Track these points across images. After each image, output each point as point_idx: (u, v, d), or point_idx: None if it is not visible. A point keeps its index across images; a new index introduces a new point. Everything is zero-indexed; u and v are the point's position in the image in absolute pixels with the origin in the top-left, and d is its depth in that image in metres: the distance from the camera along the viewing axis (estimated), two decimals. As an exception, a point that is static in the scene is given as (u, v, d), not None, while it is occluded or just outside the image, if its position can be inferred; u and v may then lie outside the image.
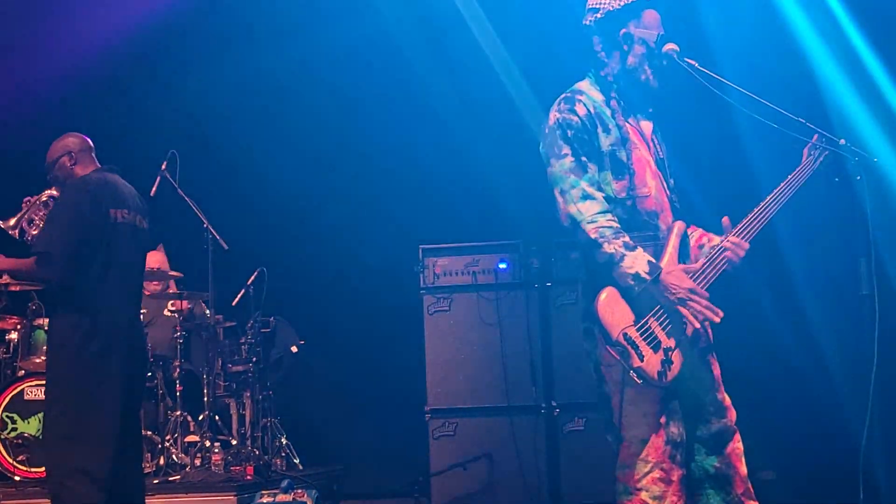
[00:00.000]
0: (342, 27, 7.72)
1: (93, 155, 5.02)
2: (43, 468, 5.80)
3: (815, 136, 3.58)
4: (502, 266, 6.51)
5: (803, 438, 6.20)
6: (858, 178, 3.39)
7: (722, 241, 3.58)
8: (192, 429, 6.57)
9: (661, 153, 3.71)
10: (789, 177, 3.64)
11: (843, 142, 3.44)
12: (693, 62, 3.55)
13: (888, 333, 3.22)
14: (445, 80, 7.46)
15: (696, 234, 3.73)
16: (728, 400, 3.61)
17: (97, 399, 4.70)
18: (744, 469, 3.61)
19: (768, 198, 3.59)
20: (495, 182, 7.31)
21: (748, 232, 3.58)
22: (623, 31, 3.62)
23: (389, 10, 7.55)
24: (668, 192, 3.65)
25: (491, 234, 6.77)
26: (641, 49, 3.60)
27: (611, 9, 3.65)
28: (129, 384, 4.79)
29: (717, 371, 3.61)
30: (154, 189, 6.20)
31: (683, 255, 3.58)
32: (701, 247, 3.67)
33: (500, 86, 7.24)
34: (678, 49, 3.57)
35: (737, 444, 3.59)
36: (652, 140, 3.70)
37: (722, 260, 3.58)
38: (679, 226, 3.57)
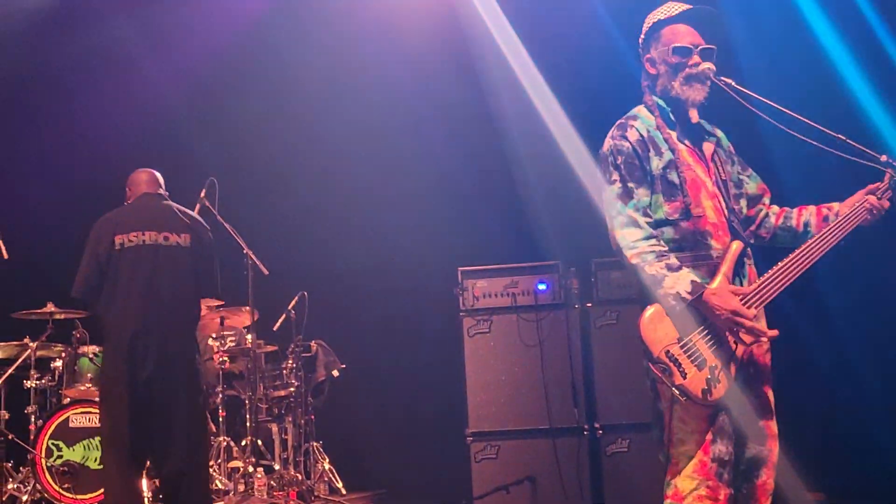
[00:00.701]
0: (379, 58, 7.88)
1: (144, 186, 5.41)
2: (88, 495, 6.19)
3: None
4: (542, 287, 6.48)
5: (852, 460, 6.18)
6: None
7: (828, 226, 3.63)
8: (234, 454, 6.60)
9: (723, 174, 3.71)
10: (868, 197, 3.66)
11: (884, 158, 3.43)
12: (730, 80, 3.62)
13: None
14: (482, 106, 7.57)
15: (808, 210, 3.79)
16: (774, 430, 3.60)
17: (110, 407, 5.14)
18: (776, 453, 3.62)
19: (849, 211, 3.64)
20: (533, 203, 7.33)
21: (833, 240, 3.63)
22: (647, 56, 3.73)
23: (427, 41, 7.69)
24: (726, 212, 3.65)
25: (530, 256, 6.77)
26: (665, 68, 3.68)
27: (640, 40, 3.78)
28: (139, 391, 5.02)
29: (769, 398, 3.61)
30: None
31: (740, 274, 3.60)
32: (826, 218, 3.71)
33: (536, 112, 7.29)
34: (714, 69, 3.62)
35: (768, 480, 3.58)
36: (713, 160, 3.71)
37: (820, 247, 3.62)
38: (737, 245, 3.58)
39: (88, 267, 5.12)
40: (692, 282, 3.42)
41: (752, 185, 3.85)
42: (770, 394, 3.61)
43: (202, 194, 6.40)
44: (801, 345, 5.99)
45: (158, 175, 5.47)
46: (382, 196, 7.93)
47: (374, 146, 8.00)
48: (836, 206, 3.67)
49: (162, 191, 5.42)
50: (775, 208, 3.83)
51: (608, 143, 3.67)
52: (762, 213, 3.83)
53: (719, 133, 3.84)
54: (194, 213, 5.44)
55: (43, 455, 6.18)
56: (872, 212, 3.56)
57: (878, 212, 3.55)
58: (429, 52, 7.72)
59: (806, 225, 3.72)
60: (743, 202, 3.76)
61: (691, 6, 3.73)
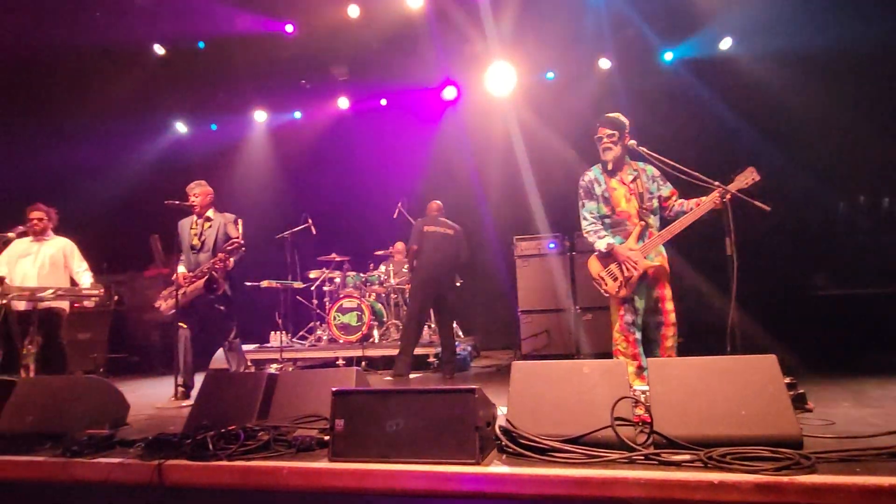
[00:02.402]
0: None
1: (435, 211, 5.68)
2: (351, 336, 6.67)
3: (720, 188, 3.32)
4: (552, 246, 6.68)
5: (701, 323, 5.42)
6: (726, 198, 3.33)
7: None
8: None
9: (640, 188, 3.64)
10: (705, 202, 3.43)
11: (717, 183, 3.37)
12: (641, 148, 3.59)
13: (740, 270, 3.10)
14: (523, 155, 7.46)
15: (692, 201, 3.57)
16: (668, 305, 3.57)
17: (416, 298, 5.54)
18: (671, 318, 3.55)
19: (695, 210, 3.50)
20: (551, 206, 7.23)
21: (693, 217, 3.45)
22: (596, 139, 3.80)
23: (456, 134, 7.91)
24: (638, 208, 3.64)
25: (547, 230, 6.89)
26: (599, 146, 3.76)
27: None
28: (427, 294, 5.50)
29: (667, 289, 3.58)
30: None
31: (643, 237, 3.60)
32: (692, 207, 3.50)
33: (551, 159, 7.26)
34: (628, 142, 3.67)
35: (669, 325, 3.58)
36: (633, 183, 3.68)
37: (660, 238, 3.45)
38: (640, 226, 3.59)
39: (415, 239, 5.50)
40: (607, 244, 3.58)
41: (667, 190, 3.74)
42: (667, 286, 3.59)
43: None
44: (683, 267, 5.29)
45: (440, 203, 5.75)
46: (490, 205, 7.97)
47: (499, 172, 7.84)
48: (703, 199, 3.49)
49: (440, 211, 5.68)
50: (681, 200, 3.69)
51: (579, 181, 3.78)
52: (672, 204, 3.70)
53: (648, 168, 3.71)
54: (452, 222, 5.62)
55: (331, 318, 6.88)
56: (717, 205, 3.36)
57: (719, 206, 3.34)
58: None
59: (691, 209, 3.54)
60: (655, 202, 3.67)
61: (608, 115, 3.74)
